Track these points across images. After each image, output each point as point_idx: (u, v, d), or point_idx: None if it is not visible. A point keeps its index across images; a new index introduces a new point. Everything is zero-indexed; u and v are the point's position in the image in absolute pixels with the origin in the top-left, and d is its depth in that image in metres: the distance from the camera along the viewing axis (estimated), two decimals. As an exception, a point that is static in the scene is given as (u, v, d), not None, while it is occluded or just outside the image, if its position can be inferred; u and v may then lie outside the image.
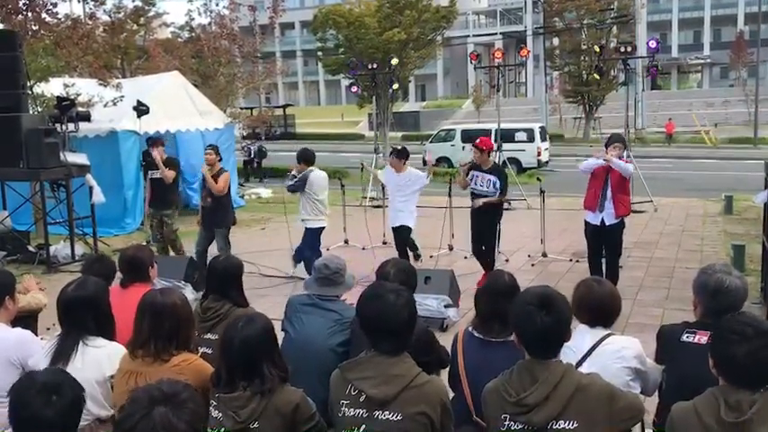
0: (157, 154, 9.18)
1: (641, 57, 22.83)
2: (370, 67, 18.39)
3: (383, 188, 10.11)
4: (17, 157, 9.67)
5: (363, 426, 2.65)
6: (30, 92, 11.12)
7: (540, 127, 26.32)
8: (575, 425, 2.46)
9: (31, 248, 10.60)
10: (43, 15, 12.12)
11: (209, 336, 3.75)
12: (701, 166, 26.15)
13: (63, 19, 13.20)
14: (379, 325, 2.73)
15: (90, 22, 14.81)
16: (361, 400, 2.67)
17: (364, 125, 49.28)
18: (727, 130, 42.01)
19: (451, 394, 3.14)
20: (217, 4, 20.92)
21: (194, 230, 9.10)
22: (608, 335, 3.18)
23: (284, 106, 49.24)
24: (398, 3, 27.05)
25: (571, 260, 9.53)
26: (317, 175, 8.46)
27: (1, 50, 9.62)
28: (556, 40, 42.74)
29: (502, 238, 8.57)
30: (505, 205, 8.42)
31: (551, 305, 2.56)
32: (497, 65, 18.96)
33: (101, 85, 13.05)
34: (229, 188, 8.96)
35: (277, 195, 17.58)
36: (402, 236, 8.89)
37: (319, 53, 33.13)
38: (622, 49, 15.82)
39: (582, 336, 3.16)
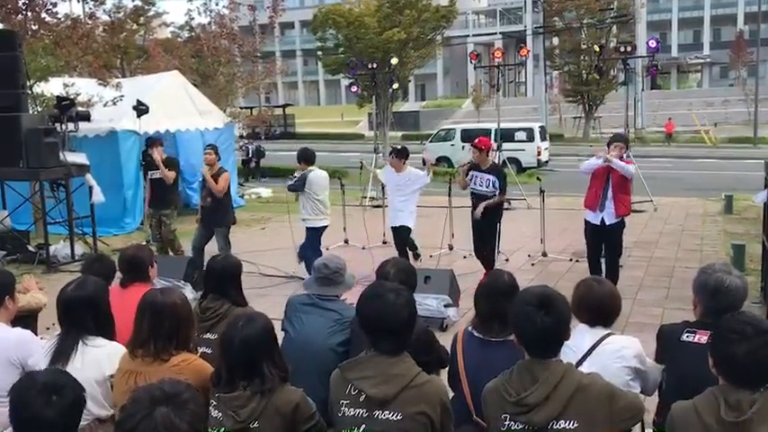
0: (157, 154, 9.17)
1: (641, 56, 22.83)
2: (369, 66, 18.39)
3: (383, 188, 10.11)
4: (17, 157, 9.67)
5: (363, 425, 2.65)
6: (29, 91, 11.12)
7: (539, 126, 26.32)
8: (575, 425, 2.46)
9: (30, 248, 10.60)
10: (43, 15, 12.13)
11: (208, 335, 3.74)
12: (700, 166, 26.16)
13: (63, 19, 13.20)
14: (379, 324, 2.73)
15: (90, 22, 14.81)
16: (361, 399, 2.67)
17: (364, 125, 49.28)
18: (727, 130, 42.02)
19: (451, 394, 3.14)
20: (216, 4, 20.97)
21: (193, 230, 9.09)
22: (608, 334, 3.18)
23: (284, 106, 49.24)
24: (398, 2, 27.04)
25: (571, 260, 9.53)
26: (317, 175, 8.46)
27: (1, 50, 9.62)
28: (555, 40, 42.74)
29: (502, 237, 8.57)
30: (505, 205, 8.42)
31: (550, 305, 2.56)
32: (497, 64, 18.97)
33: (100, 84, 13.05)
34: (229, 187, 8.96)
35: (277, 195, 17.61)
36: (402, 236, 8.89)
37: (319, 53, 33.11)
38: (622, 49, 15.81)
39: (582, 335, 3.16)
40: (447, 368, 3.46)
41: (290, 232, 9.30)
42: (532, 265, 9.58)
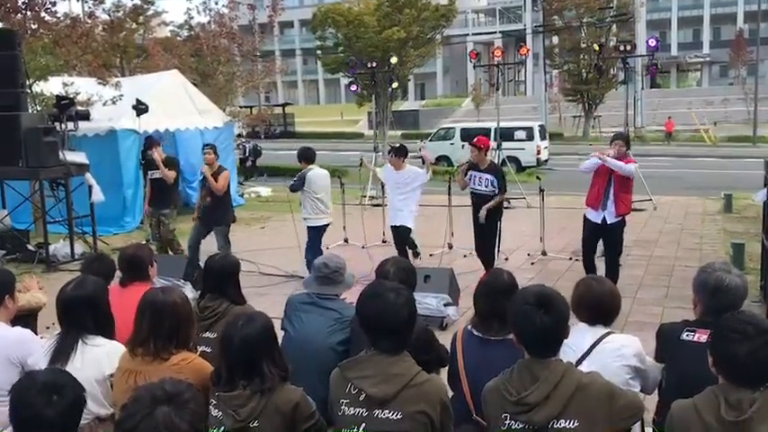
0: (157, 155, 9.17)
1: (641, 55, 22.82)
2: (369, 65, 18.39)
3: (383, 187, 10.11)
4: (16, 156, 9.67)
5: (363, 424, 2.65)
6: (29, 91, 11.11)
7: (539, 125, 26.31)
8: (575, 424, 2.46)
9: (30, 247, 10.59)
10: (42, 14, 12.11)
11: (207, 334, 3.74)
12: (700, 165, 26.15)
13: (62, 18, 13.19)
14: (379, 324, 2.72)
15: (89, 21, 14.81)
16: (361, 398, 2.66)
17: (364, 124, 49.28)
18: (727, 129, 42.03)
19: (451, 393, 3.14)
20: (216, 3, 20.92)
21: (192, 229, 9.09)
22: (608, 333, 3.18)
23: (283, 105, 49.23)
24: (398, 1, 27.03)
25: (570, 258, 9.53)
26: (316, 174, 8.45)
27: (0, 49, 9.61)
28: (555, 39, 42.74)
29: (501, 236, 8.58)
30: (505, 204, 8.42)
31: (549, 304, 2.56)
32: (497, 63, 18.98)
33: (100, 83, 13.04)
34: (229, 186, 8.95)
35: (277, 194, 17.60)
36: (402, 236, 8.90)
37: (318, 52, 33.11)
38: (622, 48, 15.81)
39: (582, 334, 3.16)
40: (447, 367, 3.46)
41: (289, 231, 9.31)
42: (532, 264, 9.59)
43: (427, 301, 6.72)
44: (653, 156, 26.81)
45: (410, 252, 9.04)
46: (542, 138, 25.39)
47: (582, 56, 38.10)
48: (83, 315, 3.25)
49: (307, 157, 8.54)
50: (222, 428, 2.67)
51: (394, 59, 19.77)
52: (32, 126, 9.79)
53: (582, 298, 3.25)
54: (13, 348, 3.35)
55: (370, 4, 28.21)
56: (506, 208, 8.69)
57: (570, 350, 3.02)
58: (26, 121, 9.76)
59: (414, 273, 3.91)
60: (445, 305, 6.85)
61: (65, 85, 12.35)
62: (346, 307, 3.84)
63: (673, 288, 8.11)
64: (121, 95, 12.65)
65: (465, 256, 9.56)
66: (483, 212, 7.99)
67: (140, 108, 11.80)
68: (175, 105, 13.96)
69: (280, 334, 3.17)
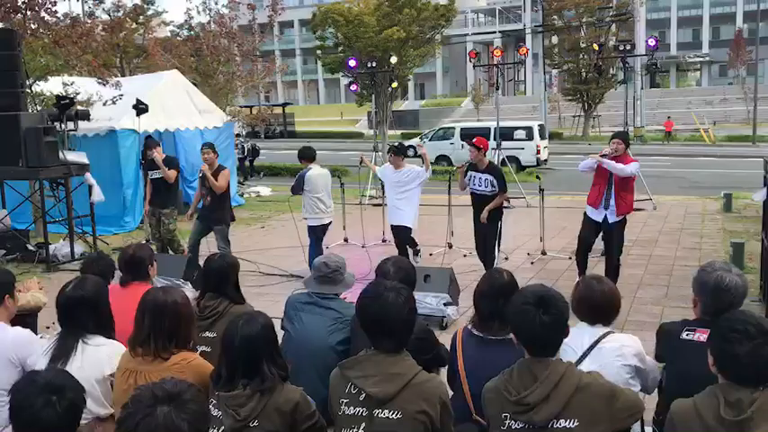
0: (157, 155, 9.17)
1: (640, 55, 22.83)
2: (369, 65, 18.37)
3: (383, 186, 10.11)
4: (16, 156, 9.66)
5: (363, 424, 2.65)
6: (29, 90, 11.10)
7: (539, 125, 26.32)
8: (575, 423, 2.46)
9: (30, 247, 10.59)
10: (42, 14, 12.08)
11: (207, 334, 3.75)
12: (700, 164, 26.15)
13: (62, 18, 13.18)
14: (379, 323, 2.72)
15: (89, 21, 14.81)
16: (361, 398, 2.66)
17: (363, 123, 49.29)
18: (726, 128, 42.06)
19: (451, 393, 3.14)
20: (216, 3, 20.87)
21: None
22: (608, 333, 3.18)
23: (283, 105, 49.21)
24: (397, 1, 26.98)
25: (570, 258, 9.51)
26: (315, 173, 8.44)
27: (0, 49, 9.61)
28: (555, 39, 42.72)
29: (501, 236, 8.58)
30: (505, 204, 8.43)
31: (549, 304, 2.56)
32: (496, 63, 18.99)
33: (100, 83, 13.03)
34: (229, 185, 8.93)
35: (277, 194, 17.61)
36: (402, 236, 8.90)
37: (318, 51, 33.09)
38: (621, 48, 15.80)
39: (582, 334, 3.16)
40: (447, 367, 3.46)
41: (289, 231, 9.30)
42: (531, 263, 9.59)
43: (427, 301, 6.73)
44: (652, 155, 26.82)
45: (410, 250, 9.04)
46: (542, 137, 25.40)
47: (581, 55, 38.11)
48: (83, 315, 3.25)
49: (307, 156, 8.54)
50: (222, 428, 2.67)
51: (394, 59, 19.75)
52: (32, 126, 9.78)
53: (582, 297, 3.25)
54: (13, 348, 3.35)
55: (369, 4, 28.16)
56: (506, 207, 8.69)
57: (570, 350, 3.02)
58: (26, 121, 9.75)
59: (413, 272, 3.91)
60: (445, 305, 6.85)
61: (65, 84, 12.34)
62: (346, 306, 3.84)
63: (672, 287, 8.11)
64: (121, 95, 12.64)
65: (465, 255, 9.57)
66: (485, 213, 8.00)
67: (140, 108, 11.79)
68: (175, 105, 13.96)
69: (280, 333, 3.18)
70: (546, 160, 25.20)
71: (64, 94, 11.54)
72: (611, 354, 3.08)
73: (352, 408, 2.68)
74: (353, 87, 21.22)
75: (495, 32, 65.24)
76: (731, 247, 9.22)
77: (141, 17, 21.95)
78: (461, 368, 3.27)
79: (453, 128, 27.69)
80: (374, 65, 18.24)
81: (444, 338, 3.82)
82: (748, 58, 48.53)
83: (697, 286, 3.15)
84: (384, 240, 10.74)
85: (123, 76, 18.08)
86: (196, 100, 14.87)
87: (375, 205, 13.49)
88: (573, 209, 11.73)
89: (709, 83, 65.20)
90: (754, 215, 11.95)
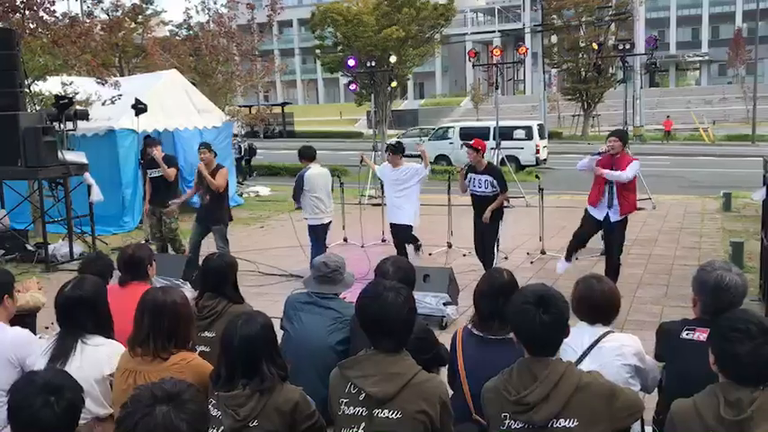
0: (157, 153, 9.16)
1: (639, 54, 22.83)
2: (368, 64, 18.38)
3: (382, 186, 10.12)
4: (15, 156, 9.65)
5: (363, 424, 2.65)
6: (28, 90, 11.09)
7: (538, 124, 26.31)
8: (575, 423, 2.46)
9: (29, 247, 10.58)
10: (41, 14, 12.08)
11: (205, 334, 3.74)
12: (699, 164, 26.16)
13: (61, 17, 13.17)
14: (379, 323, 2.72)
15: (88, 21, 14.80)
16: (361, 398, 2.66)
17: (363, 123, 49.28)
18: (726, 127, 42.07)
19: (451, 392, 3.13)
20: (215, 2, 20.89)
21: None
22: (607, 332, 3.18)
23: (282, 104, 49.18)
24: (396, 0, 27.00)
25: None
26: (313, 172, 8.43)
27: (-2, 49, 9.61)
28: (554, 38, 42.72)
29: (501, 236, 8.58)
30: (504, 204, 8.43)
31: (549, 303, 2.55)
32: (496, 62, 18.99)
33: (99, 83, 13.02)
34: (227, 184, 8.92)
35: (276, 193, 17.60)
36: (402, 234, 8.90)
37: (317, 51, 33.08)
38: (620, 47, 15.80)
39: (581, 333, 3.16)
40: (446, 366, 3.46)
41: (288, 230, 9.30)
42: (531, 263, 9.59)
43: (427, 301, 6.73)
44: (652, 155, 26.80)
45: (411, 247, 9.03)
46: (541, 137, 25.40)
47: (581, 55, 38.10)
48: (82, 315, 3.25)
49: (307, 155, 8.54)
50: (221, 428, 2.67)
51: (393, 58, 19.75)
52: (31, 126, 9.77)
53: (582, 297, 3.24)
54: (12, 348, 3.35)
55: (368, 4, 28.16)
56: (506, 207, 8.69)
57: (570, 349, 3.02)
58: (25, 121, 9.74)
59: (413, 272, 3.91)
60: (445, 304, 6.85)
61: (64, 84, 12.33)
62: (346, 306, 3.84)
63: (672, 287, 8.11)
64: (120, 95, 12.63)
65: (464, 255, 9.57)
66: (487, 214, 8.01)
67: (139, 108, 11.79)
68: (174, 105, 13.95)
69: (279, 333, 3.17)
70: (545, 160, 25.20)
71: (63, 93, 11.53)
72: (610, 353, 3.08)
73: (351, 407, 2.68)
74: (353, 87, 21.24)
75: (494, 32, 65.25)
76: (731, 247, 9.22)
77: (140, 17, 21.91)
78: (461, 368, 3.26)
79: (453, 127, 27.68)
80: (373, 64, 18.22)
81: (444, 338, 3.81)
82: (747, 57, 48.55)
83: (697, 285, 3.15)
84: (383, 240, 10.74)
85: (122, 75, 18.06)
86: (195, 100, 14.86)
87: (374, 205, 13.48)
88: (572, 208, 11.72)
89: (709, 82, 65.22)
90: (754, 214, 11.95)
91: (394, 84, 20.99)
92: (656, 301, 7.60)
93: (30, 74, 11.50)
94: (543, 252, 9.92)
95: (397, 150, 8.98)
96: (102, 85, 12.97)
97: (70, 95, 11.58)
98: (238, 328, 2.75)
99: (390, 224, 9.07)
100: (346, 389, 2.70)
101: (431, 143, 25.44)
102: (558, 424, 2.46)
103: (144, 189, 9.93)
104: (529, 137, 24.81)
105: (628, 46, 15.69)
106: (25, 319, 4.21)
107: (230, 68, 19.89)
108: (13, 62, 9.76)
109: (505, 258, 9.51)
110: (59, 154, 9.90)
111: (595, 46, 20.07)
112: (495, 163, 12.37)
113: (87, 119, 11.40)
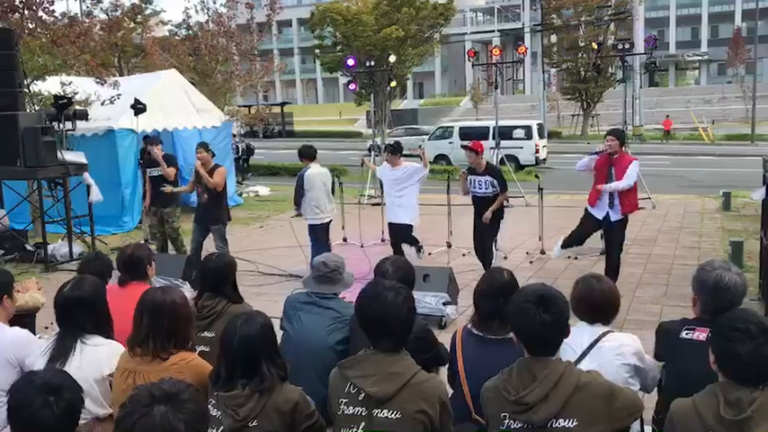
0: (157, 151, 9.17)
1: (639, 53, 22.84)
2: (367, 64, 18.39)
3: (381, 186, 10.13)
4: (14, 156, 9.65)
5: (362, 424, 2.65)
6: (27, 90, 11.08)
7: (537, 124, 26.29)
8: (574, 423, 2.45)
9: (28, 247, 10.58)
10: (40, 13, 12.08)
11: (205, 333, 3.74)
12: (698, 163, 26.16)
13: (60, 17, 13.17)
14: (378, 323, 2.72)
15: (87, 20, 14.80)
16: (360, 397, 2.66)
17: (362, 123, 49.28)
18: (725, 127, 42.07)
19: (450, 392, 3.13)
20: (214, 2, 20.88)
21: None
22: (607, 332, 3.17)
23: (282, 104, 49.18)
24: (396, 0, 27.02)
25: (569, 257, 9.53)
26: (313, 172, 8.43)
27: (-3, 49, 9.61)
28: (554, 38, 42.72)
29: (500, 235, 8.59)
30: (504, 203, 8.44)
31: (549, 303, 2.55)
32: (495, 62, 18.99)
33: (98, 83, 13.02)
34: (225, 184, 8.90)
35: (276, 193, 17.60)
36: (401, 234, 8.89)
37: (317, 50, 33.09)
38: (620, 46, 15.80)
39: (581, 333, 3.15)
40: (446, 366, 3.46)
41: (287, 230, 9.29)
42: (531, 262, 9.59)
43: (426, 300, 6.72)
44: (651, 154, 26.80)
45: (413, 248, 9.03)
46: (541, 136, 25.39)
47: (580, 54, 38.11)
48: (81, 315, 3.24)
49: (307, 154, 8.54)
50: (221, 428, 2.66)
51: (392, 58, 19.76)
52: (30, 126, 9.77)
53: (581, 296, 3.24)
54: (12, 349, 3.35)
55: (368, 3, 28.20)
56: (506, 207, 8.69)
57: (569, 349, 3.02)
58: (24, 121, 9.74)
59: (412, 271, 3.91)
60: (444, 304, 6.85)
61: (63, 84, 12.33)
62: (345, 306, 3.83)
63: (672, 286, 8.10)
64: (119, 95, 12.63)
65: (464, 254, 9.57)
66: (488, 214, 8.02)
67: (138, 107, 11.78)
68: (173, 105, 13.95)
69: (279, 333, 3.17)
70: (545, 159, 25.19)
71: (62, 93, 11.53)
72: (610, 353, 3.08)
73: (351, 407, 2.68)
74: (352, 86, 21.23)
75: (493, 31, 65.29)
76: (730, 246, 9.22)
77: (139, 16, 21.93)
78: (461, 367, 3.26)
79: (452, 127, 27.67)
80: (373, 64, 18.21)
81: (443, 338, 3.81)
82: (747, 56, 48.54)
83: (696, 285, 3.15)
84: (383, 240, 10.73)
85: (121, 75, 18.06)
86: (194, 99, 14.86)
87: (374, 205, 13.48)
88: (572, 208, 11.70)
89: (708, 81, 65.24)
90: (753, 214, 11.95)
91: (393, 83, 21.03)
92: (656, 300, 7.60)
93: (29, 74, 11.50)
94: (543, 252, 9.92)
95: (395, 150, 8.99)
96: (102, 84, 12.97)
97: (69, 95, 11.58)
98: (238, 327, 2.75)
99: (389, 223, 9.07)
100: (346, 389, 2.70)
101: (430, 143, 25.44)
102: (557, 424, 2.45)
103: (143, 188, 9.93)
104: (528, 136, 24.79)
105: (627, 45, 15.69)
106: (24, 319, 4.20)
107: (229, 68, 19.90)
108: (12, 62, 9.76)
109: (505, 258, 9.51)
110: (59, 154, 9.90)
111: (595, 45, 20.08)
112: (494, 163, 12.38)
113: (86, 119, 11.40)
